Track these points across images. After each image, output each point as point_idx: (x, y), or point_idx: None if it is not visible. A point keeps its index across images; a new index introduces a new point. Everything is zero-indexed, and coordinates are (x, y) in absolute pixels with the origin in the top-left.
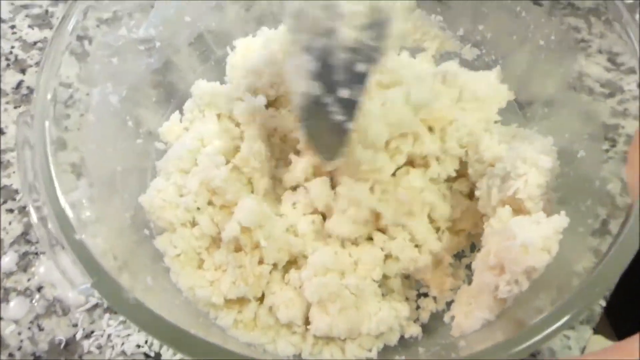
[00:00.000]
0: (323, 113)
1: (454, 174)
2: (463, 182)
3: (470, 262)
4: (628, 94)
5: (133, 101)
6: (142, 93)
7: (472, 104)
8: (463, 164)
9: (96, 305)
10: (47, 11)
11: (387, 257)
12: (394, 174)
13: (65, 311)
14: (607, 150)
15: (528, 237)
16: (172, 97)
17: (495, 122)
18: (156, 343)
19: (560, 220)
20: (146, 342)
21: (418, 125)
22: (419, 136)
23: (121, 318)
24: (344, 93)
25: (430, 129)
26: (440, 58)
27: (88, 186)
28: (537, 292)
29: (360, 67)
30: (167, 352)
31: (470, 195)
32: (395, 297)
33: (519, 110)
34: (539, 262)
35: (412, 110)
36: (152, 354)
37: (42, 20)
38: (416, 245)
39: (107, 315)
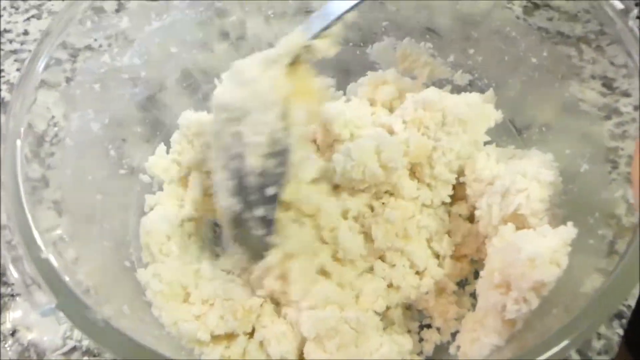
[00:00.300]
0: (246, 226)
1: (448, 199)
2: (462, 205)
3: (475, 290)
4: (626, 116)
5: (116, 131)
6: (126, 124)
7: (456, 127)
8: (461, 187)
9: (74, 349)
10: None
11: (389, 286)
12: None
13: (40, 355)
14: (609, 172)
15: (534, 249)
16: (158, 130)
17: (486, 143)
18: None
19: (568, 231)
20: None
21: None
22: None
23: None
24: (259, 212)
25: (414, 165)
26: (432, 85)
27: (65, 216)
28: (549, 312)
29: (269, 190)
30: None
31: (471, 219)
32: (397, 330)
33: (517, 135)
34: (547, 276)
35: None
36: None
37: None
38: (417, 273)
39: (85, 359)
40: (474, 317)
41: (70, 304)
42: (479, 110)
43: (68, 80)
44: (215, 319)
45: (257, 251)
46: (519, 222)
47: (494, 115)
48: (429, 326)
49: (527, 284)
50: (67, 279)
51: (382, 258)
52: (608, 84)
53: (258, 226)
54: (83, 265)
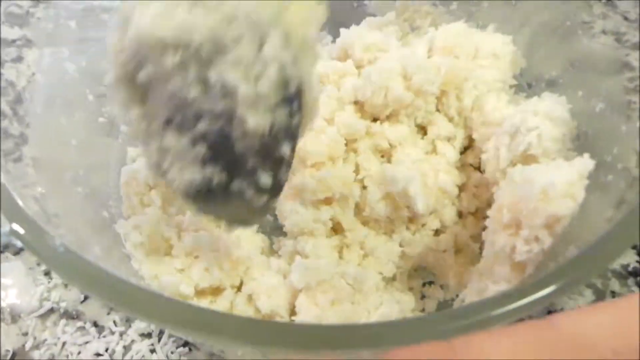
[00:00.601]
0: (225, 198)
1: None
2: (469, 154)
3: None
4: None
5: (95, 76)
6: (105, 69)
7: (490, 60)
8: (467, 129)
9: (51, 310)
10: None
11: (403, 254)
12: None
13: (15, 318)
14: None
15: (548, 181)
16: None
17: (511, 86)
18: (118, 351)
19: (585, 163)
20: (106, 349)
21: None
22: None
23: (79, 324)
24: (264, 180)
25: (443, 93)
26: None
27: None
28: (562, 255)
29: (283, 149)
30: None
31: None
32: (398, 287)
33: (528, 89)
34: (562, 210)
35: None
36: None
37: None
38: (436, 233)
39: (62, 322)
40: (479, 268)
41: (28, 229)
42: (510, 50)
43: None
44: (199, 272)
45: (242, 220)
46: (529, 164)
47: (520, 62)
48: (431, 283)
49: (540, 219)
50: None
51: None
52: (619, 39)
53: (254, 197)
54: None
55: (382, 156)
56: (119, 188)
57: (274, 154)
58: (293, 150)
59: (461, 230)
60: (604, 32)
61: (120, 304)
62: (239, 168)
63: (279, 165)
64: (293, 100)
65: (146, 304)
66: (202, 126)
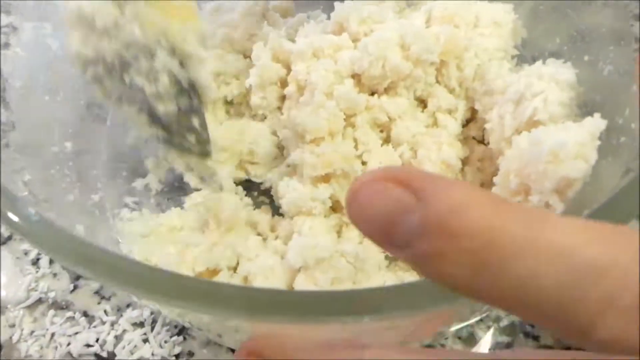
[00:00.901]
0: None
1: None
2: (471, 127)
3: None
4: None
5: None
6: None
7: (490, 29)
8: (469, 101)
9: (39, 301)
10: None
11: None
12: None
13: (2, 310)
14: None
15: (558, 141)
16: None
17: (513, 56)
18: (109, 341)
19: (596, 123)
20: (97, 340)
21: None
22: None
23: (69, 314)
24: (190, 138)
25: (443, 63)
26: None
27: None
28: None
29: (194, 121)
30: (122, 351)
31: (483, 140)
32: (402, 266)
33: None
34: (574, 172)
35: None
36: (105, 354)
37: None
38: None
39: (51, 312)
40: None
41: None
42: (511, 17)
43: None
44: (194, 253)
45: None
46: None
47: (521, 31)
48: None
49: (550, 183)
50: None
51: None
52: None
53: (191, 146)
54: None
55: (381, 131)
56: (108, 171)
57: (189, 124)
58: (203, 121)
59: None
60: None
61: (102, 275)
62: (171, 130)
63: (195, 130)
64: (189, 90)
65: (127, 272)
66: (139, 104)
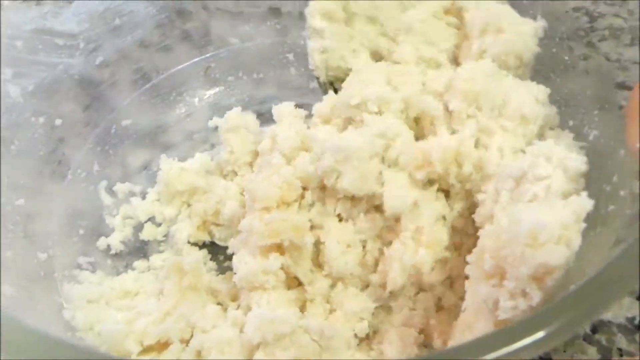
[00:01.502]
0: None
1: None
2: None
3: None
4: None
5: (44, 104)
6: (58, 99)
7: (515, 122)
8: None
9: None
10: None
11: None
12: None
13: None
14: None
15: (538, 222)
16: (96, 124)
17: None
18: None
19: (582, 202)
20: None
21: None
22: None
23: None
24: None
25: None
26: None
27: None
28: None
29: None
30: None
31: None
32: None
33: None
34: (554, 258)
35: None
36: None
37: None
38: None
39: None
40: (460, 323)
41: None
42: (543, 113)
43: None
44: (144, 323)
45: None
46: None
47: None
48: None
49: (528, 269)
50: None
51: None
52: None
53: None
54: None
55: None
56: (63, 229)
57: None
58: None
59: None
60: (587, 71)
61: None
62: None
63: None
64: None
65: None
66: None
